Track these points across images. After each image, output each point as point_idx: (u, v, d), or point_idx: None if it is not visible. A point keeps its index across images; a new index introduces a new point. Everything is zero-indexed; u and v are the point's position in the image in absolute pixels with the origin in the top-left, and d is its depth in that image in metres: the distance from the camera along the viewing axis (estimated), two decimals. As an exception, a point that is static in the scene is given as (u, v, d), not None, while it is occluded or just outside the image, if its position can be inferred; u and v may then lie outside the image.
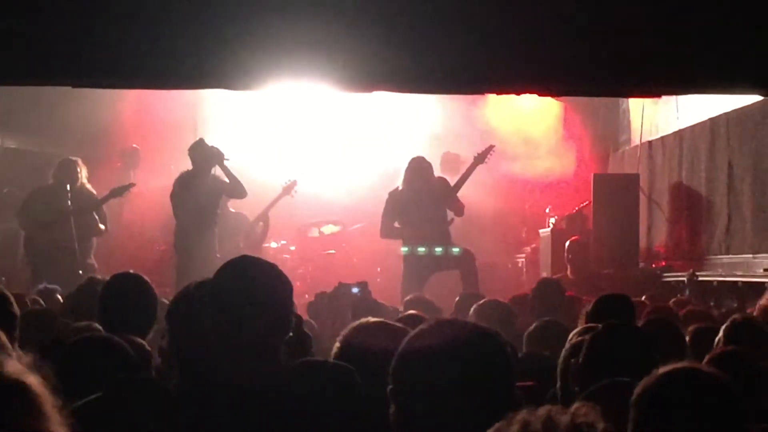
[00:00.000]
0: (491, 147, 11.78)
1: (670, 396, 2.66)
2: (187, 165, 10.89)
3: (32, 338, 4.51)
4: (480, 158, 11.47)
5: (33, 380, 1.43)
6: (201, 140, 10.98)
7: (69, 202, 10.81)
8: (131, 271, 5.60)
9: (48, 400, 1.43)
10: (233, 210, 11.95)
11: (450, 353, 2.39)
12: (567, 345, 4.30)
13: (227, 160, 10.77)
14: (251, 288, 3.22)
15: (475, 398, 2.33)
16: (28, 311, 5.58)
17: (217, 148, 10.81)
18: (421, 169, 11.05)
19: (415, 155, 11.36)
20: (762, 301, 6.24)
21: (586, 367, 3.75)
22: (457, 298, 8.04)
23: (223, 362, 3.17)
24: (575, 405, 1.73)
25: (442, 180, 11.27)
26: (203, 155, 10.71)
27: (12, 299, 4.31)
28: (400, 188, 11.13)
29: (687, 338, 5.38)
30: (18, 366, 1.43)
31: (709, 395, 2.68)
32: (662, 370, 2.74)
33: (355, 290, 7.73)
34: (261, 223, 12.13)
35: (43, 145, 12.51)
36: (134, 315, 4.86)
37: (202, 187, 10.61)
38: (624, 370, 3.45)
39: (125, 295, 4.98)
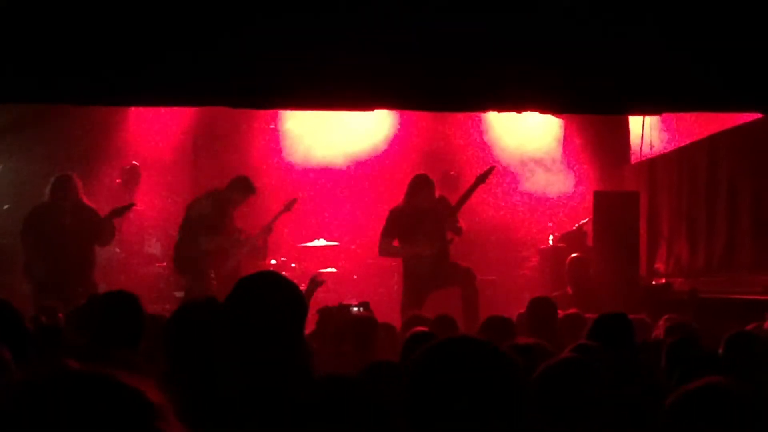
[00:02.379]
0: (493, 168, 11.78)
1: (700, 411, 2.66)
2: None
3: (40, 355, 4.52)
4: (481, 179, 11.45)
5: (151, 389, 1.44)
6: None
7: (68, 220, 10.78)
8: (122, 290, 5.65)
9: (167, 407, 1.44)
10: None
11: (462, 370, 2.39)
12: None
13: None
14: (266, 309, 3.22)
15: (486, 415, 2.33)
16: (38, 328, 5.61)
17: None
18: (424, 188, 11.03)
19: (416, 173, 11.36)
20: None
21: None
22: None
23: (234, 377, 3.17)
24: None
25: (443, 199, 11.25)
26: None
27: (21, 316, 4.33)
28: (402, 205, 11.12)
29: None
30: (137, 378, 1.44)
31: (738, 409, 2.68)
32: (690, 385, 2.74)
33: (355, 309, 7.73)
34: (261, 241, 12.12)
35: (42, 161, 12.49)
36: (123, 330, 4.91)
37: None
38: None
39: (113, 312, 5.03)
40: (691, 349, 5.07)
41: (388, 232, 11.18)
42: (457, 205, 11.24)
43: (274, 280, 3.40)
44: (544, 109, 9.34)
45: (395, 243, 11.22)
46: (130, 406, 1.39)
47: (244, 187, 11.39)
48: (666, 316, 7.51)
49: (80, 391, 1.37)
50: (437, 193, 11.18)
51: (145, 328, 5.00)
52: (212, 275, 11.08)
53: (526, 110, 9.27)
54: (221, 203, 11.27)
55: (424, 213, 10.98)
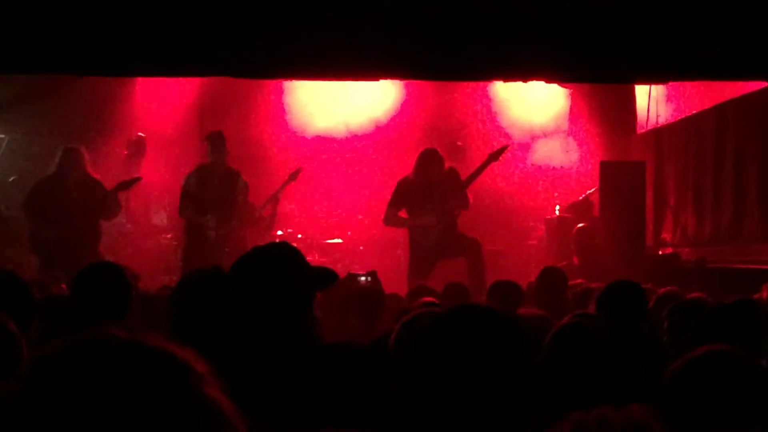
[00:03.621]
0: (506, 147, 11.78)
1: (704, 379, 2.65)
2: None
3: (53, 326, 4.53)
4: (494, 156, 11.44)
5: (196, 359, 1.42)
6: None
7: (75, 193, 10.78)
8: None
9: (213, 376, 1.42)
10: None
11: (468, 335, 2.39)
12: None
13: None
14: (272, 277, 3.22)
15: (490, 380, 2.33)
16: (44, 298, 5.59)
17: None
18: (434, 161, 11.00)
19: (425, 147, 11.33)
20: None
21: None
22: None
23: (239, 346, 3.17)
24: (631, 405, 1.73)
25: (453, 171, 11.21)
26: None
27: (30, 289, 4.34)
28: (411, 177, 11.10)
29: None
30: (180, 348, 1.41)
31: (742, 378, 2.67)
32: (692, 353, 2.73)
33: (363, 279, 7.72)
34: (268, 211, 12.12)
35: (48, 133, 12.49)
36: (109, 303, 4.88)
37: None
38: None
39: (99, 284, 4.99)
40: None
41: (395, 203, 11.18)
42: (467, 181, 11.22)
43: (284, 252, 3.41)
44: (550, 78, 9.30)
45: (402, 214, 11.22)
46: (180, 374, 1.36)
47: (209, 140, 11.16)
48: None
49: (126, 359, 1.34)
50: (446, 165, 11.15)
51: (132, 304, 4.96)
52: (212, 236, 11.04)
53: (532, 80, 9.23)
54: (205, 175, 11.14)
55: (433, 185, 10.96)
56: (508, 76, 9.22)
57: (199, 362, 1.40)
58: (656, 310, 5.79)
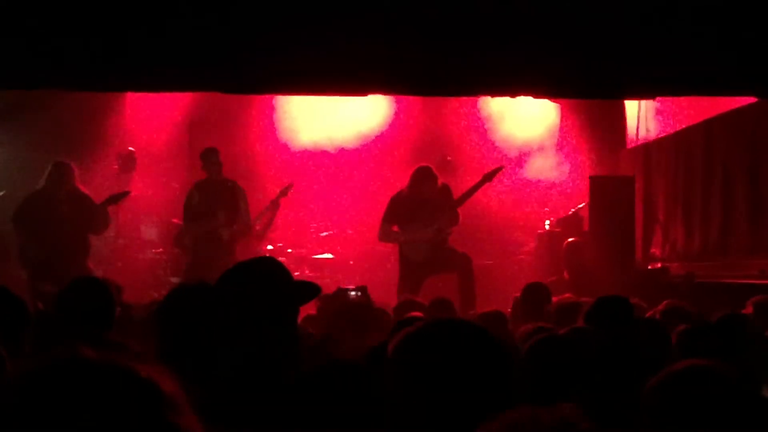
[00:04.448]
0: (500, 168, 11.84)
1: (684, 393, 2.66)
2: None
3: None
4: (488, 177, 11.50)
5: (165, 379, 1.41)
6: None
7: (64, 207, 10.77)
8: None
9: (181, 397, 1.41)
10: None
11: (447, 351, 2.40)
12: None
13: None
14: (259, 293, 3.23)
15: (470, 396, 2.34)
16: (36, 312, 5.62)
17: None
18: (428, 179, 11.07)
19: (420, 165, 11.37)
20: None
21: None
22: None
23: (225, 361, 3.18)
24: (559, 404, 1.74)
25: (446, 188, 11.28)
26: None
27: (25, 303, 4.34)
28: (404, 193, 11.16)
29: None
30: (149, 367, 1.41)
31: (721, 392, 2.68)
32: (674, 367, 2.74)
33: (353, 293, 7.73)
34: (260, 225, 12.14)
35: (37, 147, 12.47)
36: (92, 317, 4.90)
37: None
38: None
39: (82, 298, 5.02)
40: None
41: (389, 218, 11.25)
42: (460, 200, 11.30)
43: (268, 266, 3.41)
44: (538, 94, 9.32)
45: (395, 228, 11.27)
46: (143, 398, 1.36)
47: (204, 156, 11.35)
48: (666, 301, 7.51)
49: (92, 380, 1.34)
50: (439, 181, 11.22)
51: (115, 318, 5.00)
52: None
53: (520, 95, 9.25)
54: (205, 187, 11.31)
55: (425, 202, 11.04)
56: (497, 91, 9.25)
57: (170, 383, 1.39)
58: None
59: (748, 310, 6.43)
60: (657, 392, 2.68)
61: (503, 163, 12.44)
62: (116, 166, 12.98)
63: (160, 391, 1.38)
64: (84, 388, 1.34)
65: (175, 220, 12.09)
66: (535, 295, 7.74)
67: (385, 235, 11.40)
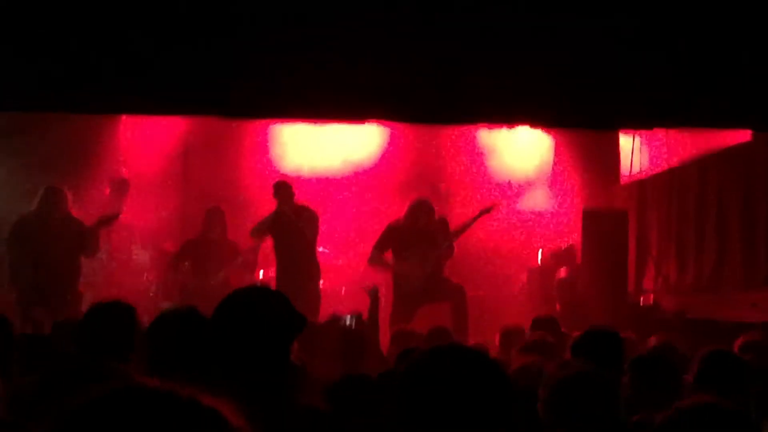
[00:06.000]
0: (497, 204, 11.89)
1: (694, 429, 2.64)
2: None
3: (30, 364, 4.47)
4: (485, 212, 11.62)
5: (228, 410, 1.36)
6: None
7: (55, 231, 10.72)
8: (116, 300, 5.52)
9: (246, 428, 1.37)
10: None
11: (449, 378, 2.38)
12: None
13: None
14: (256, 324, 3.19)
15: (471, 423, 2.31)
16: (23, 335, 5.55)
17: None
18: (426, 211, 11.12)
19: (409, 191, 11.40)
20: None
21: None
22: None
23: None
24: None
25: (442, 220, 11.34)
26: None
27: (10, 323, 4.29)
28: (401, 222, 11.17)
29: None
30: (211, 398, 1.36)
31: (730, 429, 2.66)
32: (682, 404, 2.72)
33: (347, 321, 7.69)
34: (252, 255, 12.11)
35: (30, 170, 12.42)
36: (113, 342, 4.80)
37: None
38: None
39: (105, 322, 4.91)
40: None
41: (382, 245, 11.27)
42: (456, 234, 11.34)
43: (262, 295, 3.37)
44: (534, 123, 9.34)
45: (387, 255, 11.27)
46: (211, 428, 1.32)
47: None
48: (655, 337, 7.51)
49: (157, 413, 1.30)
50: (436, 214, 11.27)
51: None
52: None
53: (516, 124, 9.28)
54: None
55: (421, 233, 11.07)
56: (492, 120, 9.26)
57: (235, 416, 1.35)
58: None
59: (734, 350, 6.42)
60: (667, 429, 2.66)
61: (498, 197, 12.45)
62: (108, 191, 12.92)
63: (226, 420, 1.33)
64: (151, 418, 1.29)
65: (167, 246, 12.04)
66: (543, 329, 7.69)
67: (374, 260, 11.41)
